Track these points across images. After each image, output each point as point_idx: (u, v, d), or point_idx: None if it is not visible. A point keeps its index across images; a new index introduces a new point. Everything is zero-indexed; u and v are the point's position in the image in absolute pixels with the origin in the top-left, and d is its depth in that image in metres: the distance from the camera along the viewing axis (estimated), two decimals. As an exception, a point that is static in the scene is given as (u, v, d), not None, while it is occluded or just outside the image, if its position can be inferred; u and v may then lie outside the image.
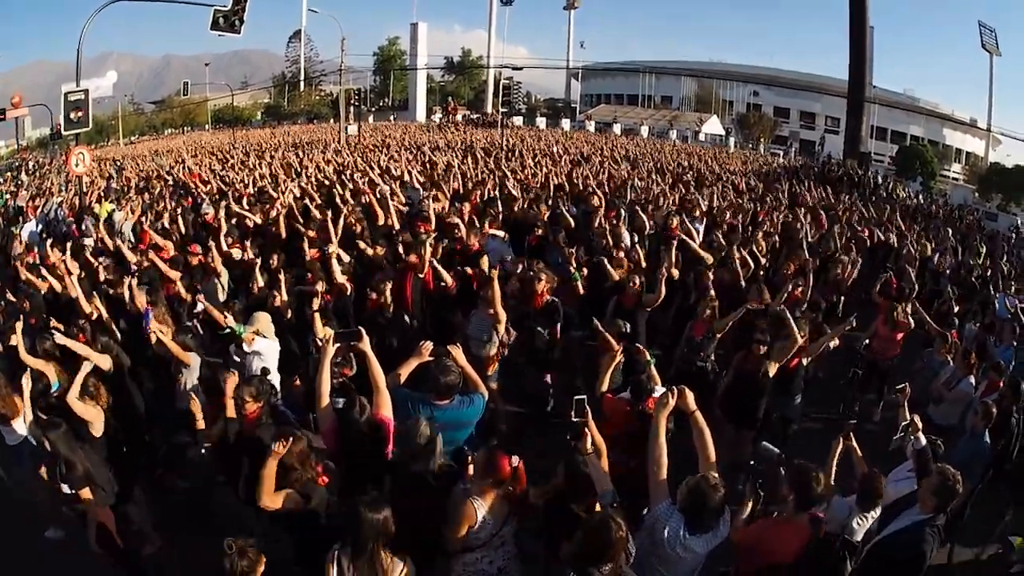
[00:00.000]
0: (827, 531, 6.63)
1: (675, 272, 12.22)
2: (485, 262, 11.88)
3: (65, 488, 7.13)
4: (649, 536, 5.53)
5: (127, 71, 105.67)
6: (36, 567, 8.51)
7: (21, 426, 8.34)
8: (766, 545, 6.03)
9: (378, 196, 16.47)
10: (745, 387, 9.55)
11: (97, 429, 7.87)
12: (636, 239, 14.62)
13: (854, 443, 7.30)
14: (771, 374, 9.43)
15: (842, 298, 13.66)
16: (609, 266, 12.03)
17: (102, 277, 12.44)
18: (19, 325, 9.67)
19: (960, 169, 71.05)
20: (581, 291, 11.93)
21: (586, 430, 6.07)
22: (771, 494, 6.50)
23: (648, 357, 8.21)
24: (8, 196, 32.74)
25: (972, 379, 10.49)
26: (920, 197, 42.76)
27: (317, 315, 9.76)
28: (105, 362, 9.15)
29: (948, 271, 17.04)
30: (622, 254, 12.68)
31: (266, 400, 7.21)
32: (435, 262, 11.50)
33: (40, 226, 21.22)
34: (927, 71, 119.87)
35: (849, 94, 59.70)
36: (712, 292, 11.25)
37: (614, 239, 13.61)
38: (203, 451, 9.39)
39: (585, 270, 12.34)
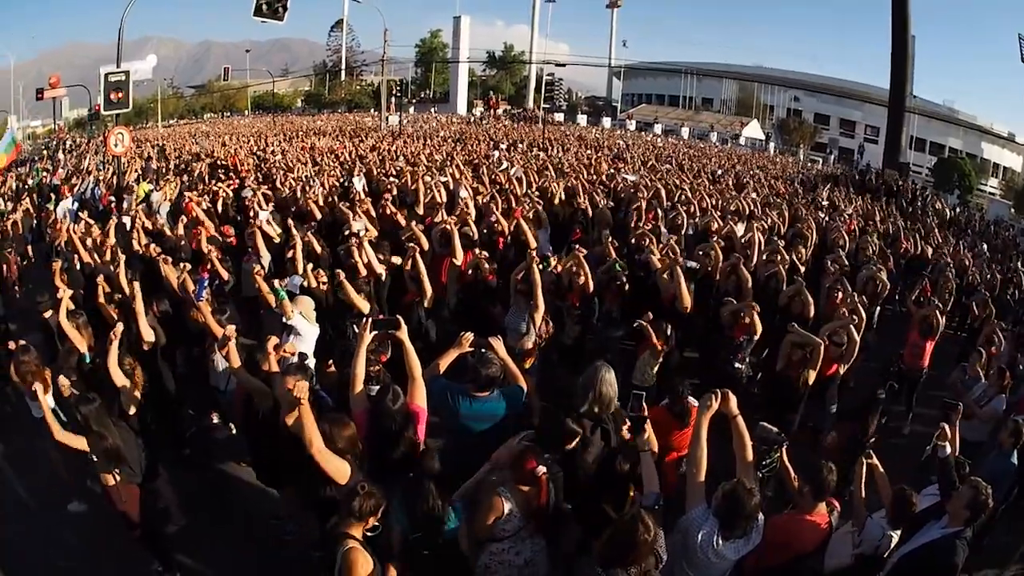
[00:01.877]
0: (863, 553, 6.59)
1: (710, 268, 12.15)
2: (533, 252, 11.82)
3: (92, 459, 7.20)
4: (682, 539, 5.48)
5: (166, 55, 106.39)
6: (59, 540, 8.56)
7: (50, 399, 8.40)
8: (790, 538, 6.06)
9: (424, 186, 16.63)
10: (782, 394, 9.48)
11: (135, 401, 7.88)
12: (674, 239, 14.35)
13: (876, 461, 7.15)
14: (810, 382, 9.33)
15: (878, 309, 13.55)
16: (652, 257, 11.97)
17: (138, 248, 12.59)
18: (60, 294, 9.78)
19: (997, 184, 70.54)
20: (626, 284, 11.77)
21: (646, 426, 6.05)
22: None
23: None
24: (45, 174, 33.02)
25: (1004, 397, 10.41)
26: (957, 210, 42.54)
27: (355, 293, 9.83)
28: (149, 334, 9.30)
29: (982, 286, 16.94)
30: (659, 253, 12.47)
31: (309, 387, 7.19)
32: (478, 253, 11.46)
33: (76, 204, 21.37)
34: (967, 83, 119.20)
35: (890, 103, 59.29)
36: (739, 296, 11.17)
37: (653, 238, 13.43)
38: (232, 433, 9.42)
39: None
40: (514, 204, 15.87)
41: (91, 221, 15.70)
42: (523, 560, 5.75)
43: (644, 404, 6.29)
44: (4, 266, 14.82)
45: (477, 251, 11.53)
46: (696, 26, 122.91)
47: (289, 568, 7.98)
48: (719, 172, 33.69)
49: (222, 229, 13.98)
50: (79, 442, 7.27)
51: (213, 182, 21.43)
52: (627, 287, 11.73)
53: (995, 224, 38.28)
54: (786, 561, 6.00)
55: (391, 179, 19.55)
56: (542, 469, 5.58)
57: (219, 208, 16.42)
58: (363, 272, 10.79)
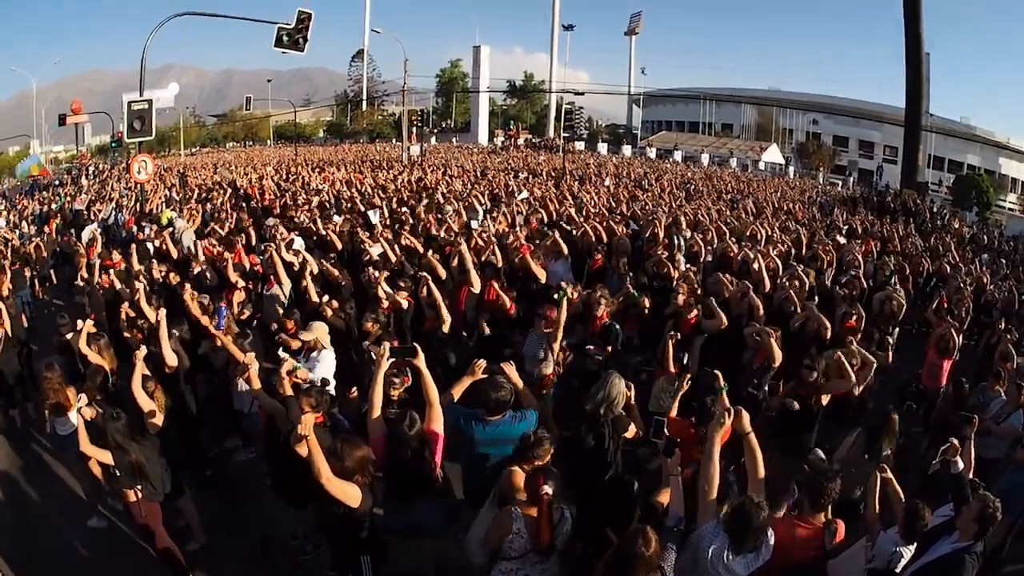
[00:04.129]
0: (875, 567, 6.57)
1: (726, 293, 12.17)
2: (542, 274, 12.26)
3: (115, 472, 7.43)
4: (692, 555, 5.53)
5: (188, 84, 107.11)
6: (78, 556, 8.69)
7: (75, 417, 8.59)
8: (783, 544, 5.88)
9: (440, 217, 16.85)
10: (796, 416, 9.45)
11: (157, 421, 8.02)
12: (690, 266, 14.42)
13: (890, 475, 7.12)
14: (823, 403, 9.38)
15: (896, 330, 13.52)
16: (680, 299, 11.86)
17: (158, 277, 12.78)
18: (80, 323, 10.02)
19: (1016, 199, 70.20)
20: (646, 310, 11.93)
21: (677, 449, 6.15)
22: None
23: (723, 383, 7.99)
24: (67, 199, 33.30)
25: (1022, 413, 10.18)
26: (974, 228, 42.31)
27: (371, 325, 10.00)
28: (172, 359, 9.43)
29: (1000, 303, 16.87)
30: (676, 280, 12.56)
31: (325, 411, 7.29)
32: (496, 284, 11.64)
33: (100, 229, 21.59)
34: (983, 98, 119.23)
35: (906, 122, 59.06)
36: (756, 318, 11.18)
37: (670, 266, 13.58)
38: (252, 454, 9.55)
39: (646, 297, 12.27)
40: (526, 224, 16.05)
41: (109, 249, 15.88)
42: (531, 582, 5.84)
43: (665, 430, 6.40)
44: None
45: (494, 281, 11.67)
46: (713, 52, 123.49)
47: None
48: (737, 198, 33.78)
49: (250, 258, 14.20)
50: (104, 455, 7.49)
51: (236, 212, 21.54)
52: (646, 313, 11.87)
53: (1014, 240, 37.97)
54: (777, 569, 5.96)
55: (404, 210, 19.72)
56: (547, 489, 5.60)
57: (253, 237, 16.51)
58: (385, 304, 10.98)
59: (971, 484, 7.11)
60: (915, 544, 6.53)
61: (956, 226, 38.88)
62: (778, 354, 10.05)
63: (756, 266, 13.78)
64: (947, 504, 7.11)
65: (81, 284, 14.36)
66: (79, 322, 10.19)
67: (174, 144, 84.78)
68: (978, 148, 71.28)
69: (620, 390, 7.43)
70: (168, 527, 7.90)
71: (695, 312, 11.15)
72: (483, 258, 13.21)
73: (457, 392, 7.08)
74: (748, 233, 18.60)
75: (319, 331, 9.58)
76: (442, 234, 15.83)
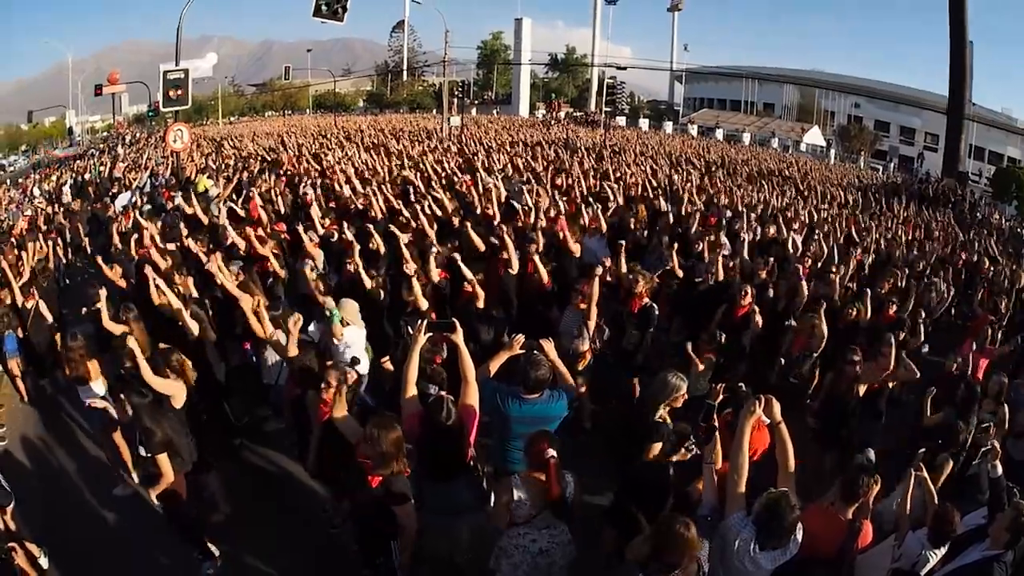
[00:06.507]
0: (899, 568, 6.47)
1: (762, 274, 12.05)
2: (576, 249, 12.23)
3: (142, 451, 7.38)
4: (720, 545, 5.47)
5: (226, 54, 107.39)
6: (104, 524, 8.78)
7: (99, 387, 8.61)
8: (810, 535, 5.70)
9: (480, 188, 16.78)
10: (835, 408, 9.34)
11: (178, 402, 7.96)
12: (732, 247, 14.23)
13: (926, 474, 7.03)
14: (861, 395, 9.21)
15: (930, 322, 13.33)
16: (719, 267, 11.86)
17: (194, 249, 12.63)
18: (103, 292, 9.95)
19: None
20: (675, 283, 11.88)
21: (716, 436, 6.11)
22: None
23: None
24: (103, 168, 33.47)
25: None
26: (1014, 222, 41.77)
27: (419, 293, 9.89)
28: (195, 327, 9.40)
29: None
30: (719, 260, 12.28)
31: (352, 390, 7.21)
32: (536, 258, 11.43)
33: (134, 197, 21.65)
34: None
35: (949, 111, 58.57)
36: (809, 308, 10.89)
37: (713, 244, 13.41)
38: (282, 425, 9.51)
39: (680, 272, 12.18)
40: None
41: (142, 220, 15.82)
42: (538, 548, 5.87)
43: (715, 416, 6.33)
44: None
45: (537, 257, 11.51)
46: (756, 30, 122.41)
47: (330, 559, 8.11)
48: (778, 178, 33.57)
49: (275, 226, 14.16)
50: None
51: (273, 178, 21.45)
52: (677, 292, 11.83)
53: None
54: (805, 558, 5.84)
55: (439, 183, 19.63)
56: (551, 453, 5.65)
57: (282, 207, 16.45)
58: (420, 277, 10.83)
59: (1008, 491, 6.99)
60: (943, 548, 6.42)
61: (995, 219, 38.45)
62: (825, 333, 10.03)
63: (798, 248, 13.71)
64: (977, 510, 7.08)
65: (115, 252, 14.35)
66: (101, 291, 10.16)
67: (212, 113, 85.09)
68: (1019, 140, 70.35)
69: (675, 384, 7.39)
70: (192, 497, 7.83)
71: (749, 298, 10.88)
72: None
73: (494, 367, 7.02)
74: (791, 218, 18.36)
75: (349, 309, 9.47)
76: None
